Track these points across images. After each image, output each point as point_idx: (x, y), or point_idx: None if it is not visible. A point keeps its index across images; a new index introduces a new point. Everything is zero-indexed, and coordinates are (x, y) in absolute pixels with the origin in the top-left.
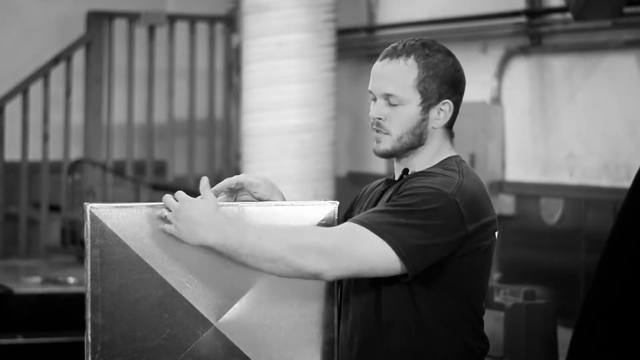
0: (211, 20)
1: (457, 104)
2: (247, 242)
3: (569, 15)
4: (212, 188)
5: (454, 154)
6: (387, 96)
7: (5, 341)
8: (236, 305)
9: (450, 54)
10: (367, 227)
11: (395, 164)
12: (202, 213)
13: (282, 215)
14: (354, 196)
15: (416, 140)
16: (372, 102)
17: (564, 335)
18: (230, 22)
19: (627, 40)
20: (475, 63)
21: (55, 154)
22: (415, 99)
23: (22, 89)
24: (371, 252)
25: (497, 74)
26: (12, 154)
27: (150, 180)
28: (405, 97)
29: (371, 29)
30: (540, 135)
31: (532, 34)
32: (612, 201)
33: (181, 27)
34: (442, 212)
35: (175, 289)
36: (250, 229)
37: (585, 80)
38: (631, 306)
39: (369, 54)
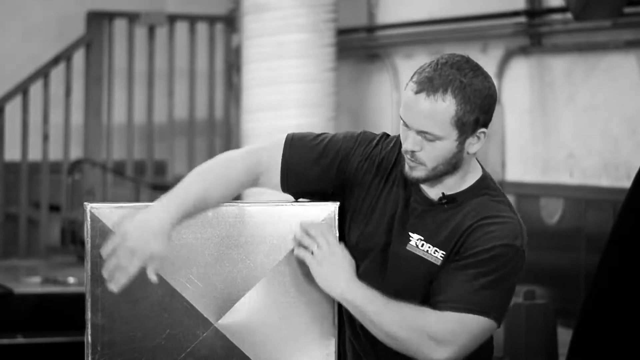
0: (211, 20)
1: (488, 123)
2: (372, 312)
3: (569, 15)
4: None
5: (478, 165)
6: (423, 132)
7: (5, 341)
8: (236, 306)
9: (484, 76)
10: (469, 312)
11: None
12: (343, 269)
13: (283, 215)
14: (352, 160)
15: (451, 168)
16: (404, 127)
17: (564, 335)
18: (230, 22)
19: (627, 40)
20: None
21: (55, 154)
22: (453, 134)
23: (22, 89)
24: (481, 334)
25: (497, 74)
26: (12, 154)
27: (150, 180)
28: (442, 135)
29: (371, 29)
30: (540, 135)
31: (532, 34)
32: (612, 201)
33: (181, 27)
34: (519, 267)
35: (176, 289)
36: (378, 303)
37: (585, 80)
38: (631, 306)
39: (369, 54)
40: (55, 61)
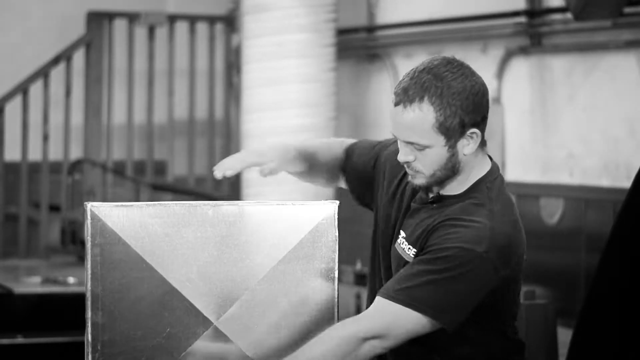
0: (211, 20)
1: (483, 121)
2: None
3: (569, 15)
4: (229, 172)
5: (487, 166)
6: (410, 143)
7: (5, 341)
8: (236, 304)
9: (464, 76)
10: (406, 305)
11: None
12: None
13: (283, 215)
14: (385, 153)
15: (450, 172)
16: (399, 141)
17: (564, 335)
18: (230, 22)
19: (627, 40)
20: (475, 63)
21: (55, 154)
22: (439, 140)
23: (22, 89)
24: (414, 328)
25: (497, 74)
26: (12, 154)
27: (150, 180)
28: (428, 143)
29: (371, 29)
30: (540, 135)
31: (532, 34)
32: (612, 201)
33: (181, 27)
34: (475, 273)
35: (176, 288)
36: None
37: (585, 80)
38: (631, 306)
39: (369, 54)
40: (55, 61)
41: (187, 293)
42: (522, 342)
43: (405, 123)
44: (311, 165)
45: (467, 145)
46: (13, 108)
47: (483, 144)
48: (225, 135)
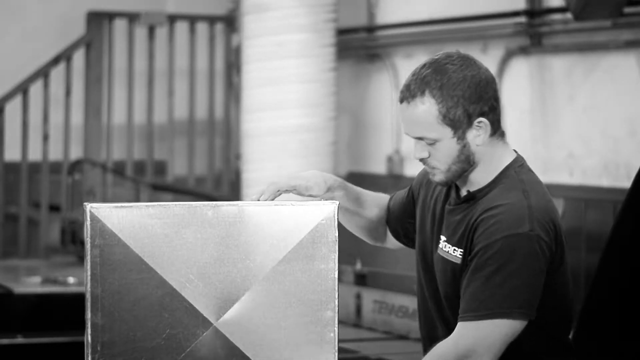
0: (211, 20)
1: (493, 110)
2: None
3: (569, 15)
4: (263, 196)
5: (510, 156)
6: (419, 138)
7: (5, 341)
8: (236, 305)
9: (465, 66)
10: (482, 318)
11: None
12: None
13: (282, 215)
14: (418, 177)
15: (465, 164)
16: (413, 140)
17: None
18: (230, 22)
19: (627, 40)
20: None
21: (55, 154)
22: (447, 133)
23: (22, 89)
24: (504, 335)
25: (497, 74)
26: (12, 154)
27: (150, 180)
28: (436, 136)
29: (371, 29)
30: (540, 135)
31: (532, 34)
32: (612, 201)
33: (181, 27)
34: (529, 254)
35: (175, 289)
36: None
37: (585, 80)
38: (631, 306)
39: (369, 54)
40: (55, 61)
41: (187, 294)
42: (569, 345)
43: (411, 119)
44: (356, 209)
45: (477, 136)
46: (13, 108)
47: (501, 134)
48: (225, 135)
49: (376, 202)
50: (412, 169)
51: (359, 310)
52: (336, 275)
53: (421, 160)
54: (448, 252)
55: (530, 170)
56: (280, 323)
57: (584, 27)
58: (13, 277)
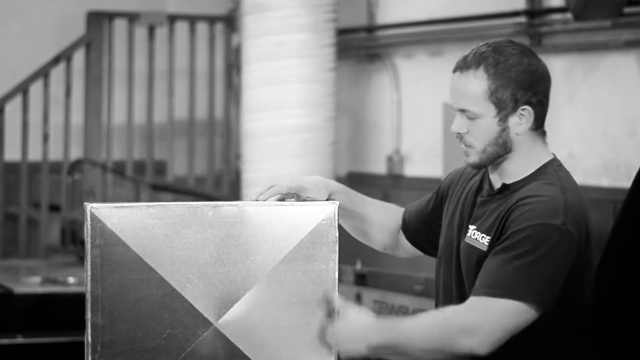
0: (211, 20)
1: (540, 104)
2: (404, 339)
3: (569, 15)
4: (262, 196)
5: (548, 156)
6: (462, 111)
7: (5, 341)
8: (236, 305)
9: (524, 54)
10: (498, 296)
11: (490, 166)
12: (359, 323)
13: (283, 215)
14: (446, 180)
15: (501, 150)
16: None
17: None
18: (230, 22)
19: (627, 40)
20: None
21: (55, 154)
22: (490, 111)
23: (22, 89)
24: (512, 318)
25: None
26: (12, 154)
27: (150, 180)
28: (479, 111)
29: (371, 29)
30: None
31: (532, 34)
32: (612, 201)
33: (181, 27)
34: (557, 246)
35: (176, 289)
36: (402, 335)
37: (585, 80)
38: (631, 306)
39: (369, 54)
40: (55, 61)
41: (187, 294)
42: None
43: (459, 89)
44: (360, 216)
45: (519, 125)
46: (13, 108)
47: (542, 133)
48: (225, 135)
49: (384, 210)
50: (412, 169)
51: None
52: (336, 276)
53: (458, 136)
54: (476, 239)
55: (568, 173)
56: (280, 323)
57: (584, 27)
58: (13, 277)
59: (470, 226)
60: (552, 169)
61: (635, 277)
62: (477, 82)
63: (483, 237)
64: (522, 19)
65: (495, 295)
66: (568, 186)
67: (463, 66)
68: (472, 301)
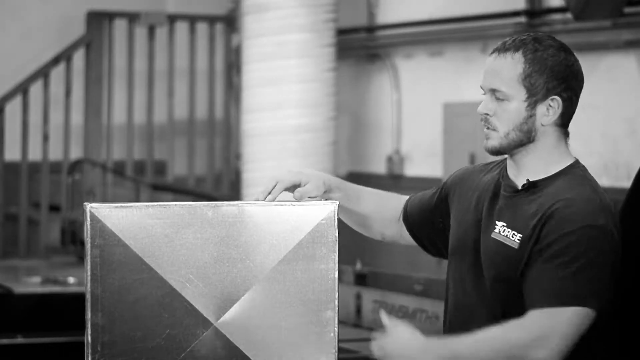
0: (211, 20)
1: (570, 101)
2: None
3: (569, 15)
4: (270, 196)
5: (572, 158)
6: (493, 91)
7: (5, 341)
8: (236, 305)
9: (563, 49)
10: (559, 305)
11: (509, 161)
12: (410, 341)
13: (282, 215)
14: (450, 179)
15: (524, 137)
16: (483, 95)
17: None
18: (230, 22)
19: (627, 40)
20: (475, 63)
21: (55, 154)
22: (521, 94)
23: (22, 89)
24: (576, 324)
25: None
26: (12, 154)
27: (150, 180)
28: (510, 93)
29: (371, 29)
30: None
31: None
32: (612, 201)
33: (181, 27)
34: (604, 247)
35: (175, 289)
36: (463, 348)
37: (585, 81)
38: (632, 306)
39: (369, 54)
40: (55, 61)
41: (187, 294)
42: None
43: (494, 69)
44: (356, 208)
45: (546, 115)
46: (13, 108)
47: (566, 133)
48: (225, 135)
49: (382, 202)
50: (412, 169)
51: (359, 310)
52: (336, 275)
53: (483, 117)
54: (507, 236)
55: (593, 177)
56: (280, 323)
57: (584, 27)
58: (13, 277)
59: (497, 222)
60: (580, 170)
61: (636, 277)
62: (514, 64)
63: (514, 234)
64: (522, 19)
65: (558, 305)
66: (596, 186)
67: (502, 49)
68: (536, 314)
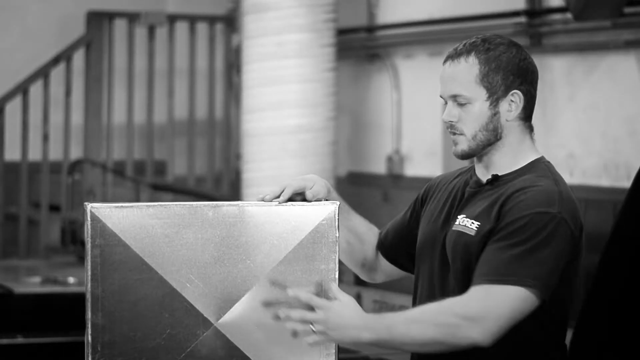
0: (211, 20)
1: (529, 94)
2: (399, 334)
3: (569, 15)
4: (281, 198)
5: (536, 152)
6: (454, 97)
7: (5, 341)
8: (236, 305)
9: (513, 44)
10: (498, 283)
11: (477, 163)
12: (351, 317)
13: (283, 215)
14: (424, 188)
15: (491, 136)
16: (444, 106)
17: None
18: (230, 22)
19: (627, 40)
20: None
21: (55, 154)
22: (481, 94)
23: (22, 89)
24: (514, 304)
25: None
26: (12, 154)
27: (150, 180)
28: (471, 95)
29: (371, 29)
30: (540, 135)
31: (532, 34)
32: (612, 201)
33: (181, 27)
34: (554, 234)
35: (176, 289)
36: (398, 323)
37: (585, 80)
38: (631, 306)
39: (369, 54)
40: (55, 61)
41: (187, 294)
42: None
43: (450, 75)
44: (348, 220)
45: (509, 111)
46: (13, 108)
47: (530, 127)
48: (225, 135)
49: (367, 225)
50: (412, 169)
51: None
52: (336, 276)
53: (449, 125)
54: (465, 225)
55: (557, 171)
56: (280, 323)
57: (584, 27)
58: (13, 277)
59: (458, 216)
60: (544, 164)
61: (635, 277)
62: (469, 67)
63: (472, 222)
64: (522, 19)
65: (496, 282)
66: (560, 180)
67: (454, 55)
68: (473, 290)
